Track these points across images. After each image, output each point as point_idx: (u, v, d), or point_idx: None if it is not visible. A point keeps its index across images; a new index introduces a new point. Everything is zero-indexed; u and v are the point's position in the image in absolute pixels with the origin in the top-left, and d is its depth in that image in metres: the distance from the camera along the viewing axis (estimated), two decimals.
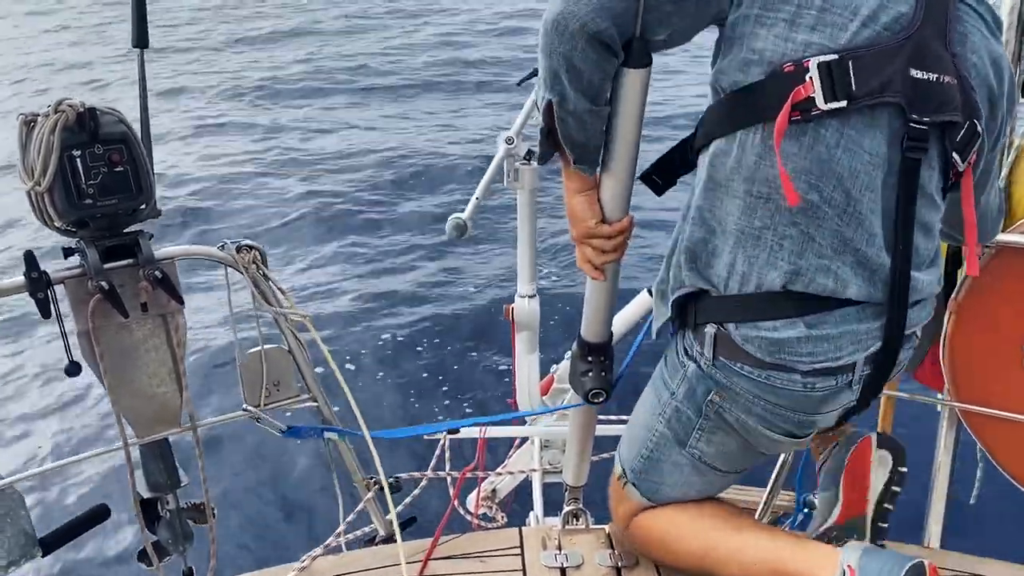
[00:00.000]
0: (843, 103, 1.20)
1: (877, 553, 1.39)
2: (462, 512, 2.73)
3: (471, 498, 3.00)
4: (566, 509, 1.99)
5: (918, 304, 1.40)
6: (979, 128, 1.32)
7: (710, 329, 1.38)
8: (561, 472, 2.16)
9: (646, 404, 1.63)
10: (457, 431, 2.64)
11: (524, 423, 3.12)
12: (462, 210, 2.52)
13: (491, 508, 2.97)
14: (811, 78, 1.20)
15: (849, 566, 1.38)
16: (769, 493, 2.26)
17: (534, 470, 2.90)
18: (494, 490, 3.10)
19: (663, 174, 1.47)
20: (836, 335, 1.32)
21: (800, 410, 1.41)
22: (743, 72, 1.26)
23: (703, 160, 1.36)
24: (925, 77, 1.23)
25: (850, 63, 1.20)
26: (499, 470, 3.05)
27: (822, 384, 1.36)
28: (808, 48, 1.22)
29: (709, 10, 1.27)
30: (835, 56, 1.20)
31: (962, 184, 1.35)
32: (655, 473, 1.62)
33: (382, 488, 1.97)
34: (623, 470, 1.67)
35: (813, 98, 1.21)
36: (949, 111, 1.27)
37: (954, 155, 1.30)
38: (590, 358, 1.63)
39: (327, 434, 1.92)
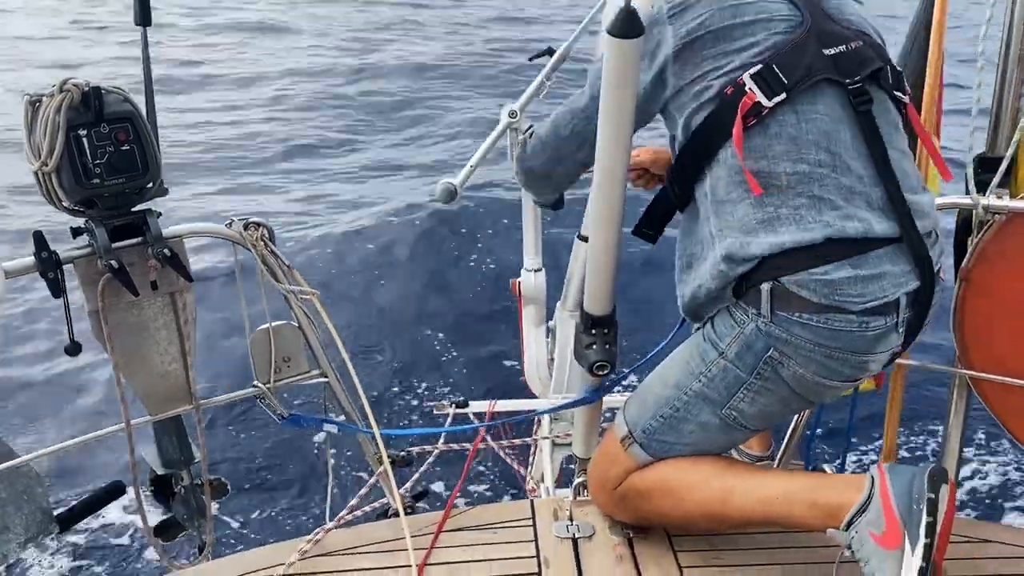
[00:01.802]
0: (783, 95, 1.46)
1: (902, 466, 1.49)
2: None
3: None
4: (577, 480, 2.01)
5: (931, 237, 1.53)
6: (897, 65, 1.59)
7: (765, 286, 1.47)
8: (571, 444, 2.17)
9: (677, 365, 1.63)
10: (465, 405, 2.65)
11: (533, 396, 3.13)
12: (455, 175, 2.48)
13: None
14: (750, 89, 1.46)
15: (880, 466, 1.48)
16: (779, 464, 2.27)
17: (545, 438, 2.91)
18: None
19: (653, 224, 1.69)
20: (877, 275, 1.45)
21: (858, 351, 1.48)
22: (700, 112, 1.52)
23: (703, 190, 1.56)
24: (837, 51, 1.50)
25: (774, 65, 1.47)
26: (510, 441, 3.06)
27: (874, 323, 1.46)
28: (736, 71, 1.48)
29: (650, 112, 1.59)
30: (761, 64, 1.47)
31: (908, 112, 1.59)
32: (673, 432, 1.62)
33: (393, 462, 1.99)
34: (629, 431, 1.68)
35: (759, 102, 1.46)
36: (870, 64, 1.52)
37: (896, 93, 1.56)
38: (594, 331, 1.63)
39: (327, 426, 1.93)
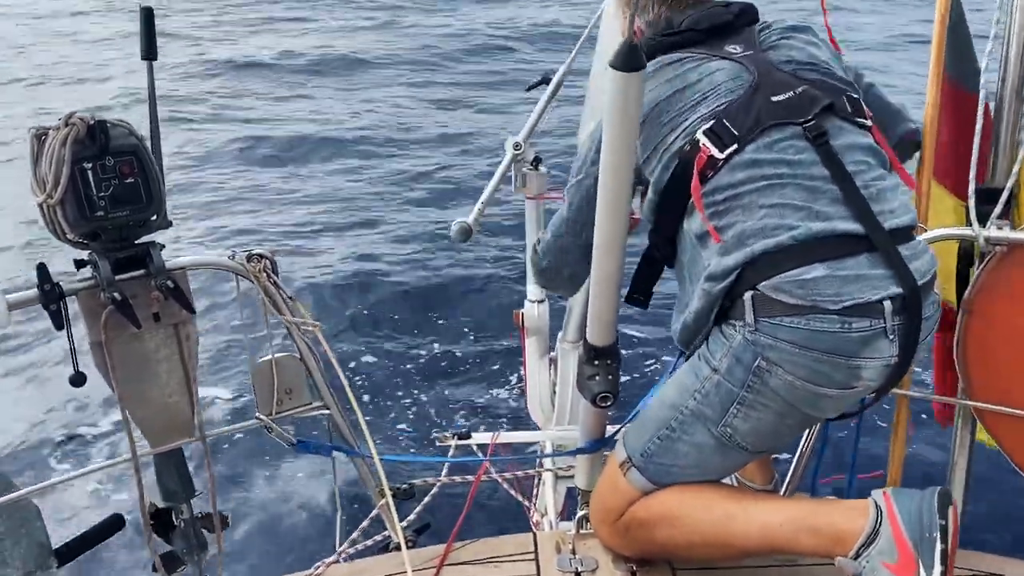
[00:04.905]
0: (734, 146, 1.54)
1: (906, 489, 1.49)
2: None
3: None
4: (580, 513, 1.99)
5: (910, 244, 1.55)
6: (853, 94, 1.65)
7: (747, 295, 1.49)
8: (574, 476, 2.16)
9: (674, 386, 1.64)
10: (468, 436, 2.64)
11: (537, 428, 3.12)
12: (468, 213, 2.52)
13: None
14: (704, 144, 1.55)
15: (884, 493, 1.48)
16: (784, 494, 2.25)
17: (548, 469, 2.89)
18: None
19: (641, 288, 1.75)
20: (855, 276, 1.47)
21: (844, 353, 1.47)
22: (666, 171, 1.60)
23: (685, 235, 1.62)
24: (785, 97, 1.58)
25: (724, 119, 1.56)
26: (512, 473, 3.04)
27: (858, 324, 1.45)
28: (693, 127, 1.57)
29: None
30: (713, 120, 1.56)
31: (874, 134, 1.65)
32: (669, 454, 1.62)
33: (395, 495, 1.97)
34: (627, 456, 1.67)
35: (713, 155, 1.54)
36: (819, 103, 1.59)
37: (857, 119, 1.62)
38: (596, 362, 1.63)
39: (335, 452, 1.93)
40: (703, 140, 1.55)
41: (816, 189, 1.53)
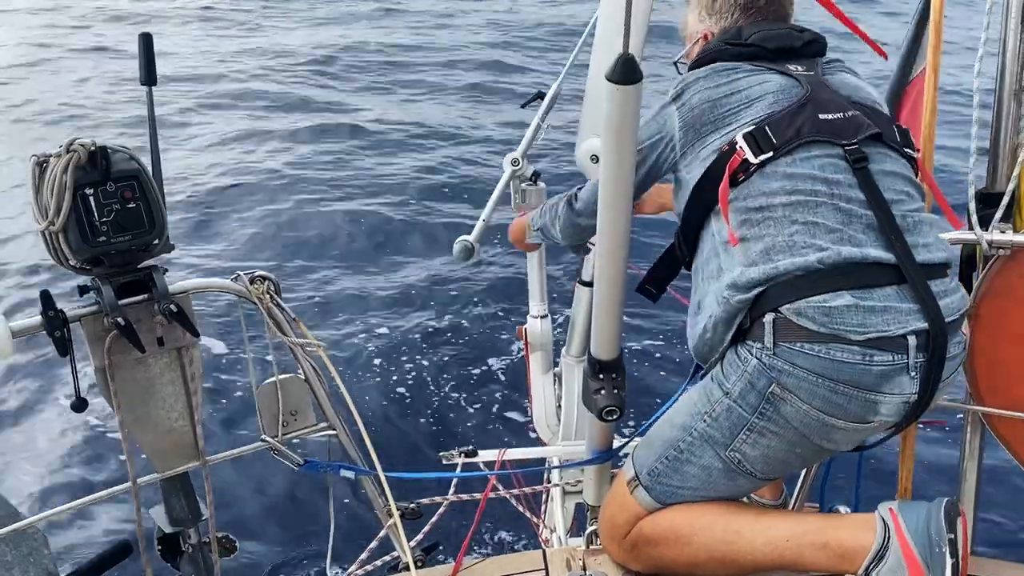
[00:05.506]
0: (770, 153, 1.55)
1: (912, 502, 1.49)
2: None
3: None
4: (589, 529, 1.98)
5: (942, 280, 1.53)
6: (904, 126, 1.68)
7: (768, 317, 1.47)
8: (582, 492, 2.15)
9: (685, 407, 1.64)
10: (474, 454, 2.63)
11: (542, 444, 3.11)
12: (469, 232, 2.52)
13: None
14: (740, 147, 1.56)
15: (891, 509, 1.47)
16: (793, 506, 2.24)
17: (556, 485, 2.88)
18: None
19: (656, 282, 1.78)
20: (881, 308, 1.44)
21: (862, 387, 1.44)
22: (701, 167, 1.63)
23: (710, 232, 1.62)
24: (833, 117, 1.59)
25: (766, 127, 1.57)
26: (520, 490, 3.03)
27: (879, 358, 1.43)
28: (734, 132, 1.60)
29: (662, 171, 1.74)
30: (754, 126, 1.57)
31: (919, 167, 1.69)
32: (676, 476, 1.61)
33: (403, 515, 1.96)
34: (636, 473, 1.67)
35: (747, 159, 1.55)
36: (865, 130, 1.60)
37: (905, 150, 1.64)
38: (601, 376, 1.62)
39: (343, 471, 1.93)
40: (740, 143, 1.56)
41: (851, 212, 1.52)
